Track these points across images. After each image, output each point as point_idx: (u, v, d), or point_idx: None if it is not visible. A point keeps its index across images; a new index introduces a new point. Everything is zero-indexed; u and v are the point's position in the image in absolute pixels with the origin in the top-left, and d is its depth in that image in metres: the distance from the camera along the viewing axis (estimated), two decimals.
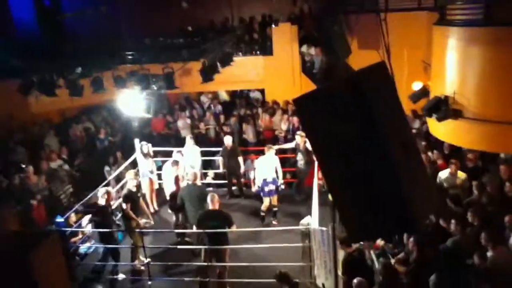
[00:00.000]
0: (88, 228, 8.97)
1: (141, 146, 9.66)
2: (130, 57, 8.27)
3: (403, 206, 2.79)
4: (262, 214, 9.28)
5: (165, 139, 12.92)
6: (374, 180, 2.87)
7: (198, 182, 8.55)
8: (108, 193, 7.83)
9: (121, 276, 7.92)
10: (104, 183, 9.29)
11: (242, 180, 10.54)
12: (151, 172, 9.85)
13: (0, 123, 12.32)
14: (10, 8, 14.07)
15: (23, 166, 9.76)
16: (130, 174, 8.44)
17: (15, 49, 12.49)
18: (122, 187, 9.49)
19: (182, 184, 8.76)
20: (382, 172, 2.79)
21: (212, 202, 7.12)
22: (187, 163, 9.96)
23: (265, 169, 9.10)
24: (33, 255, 1.81)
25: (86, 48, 10.14)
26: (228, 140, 10.05)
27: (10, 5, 14.02)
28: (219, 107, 14.11)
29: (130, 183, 8.29)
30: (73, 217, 9.04)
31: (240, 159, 10.12)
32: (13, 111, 12.52)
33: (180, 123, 13.27)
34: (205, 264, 7.18)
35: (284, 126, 12.25)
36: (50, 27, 13.01)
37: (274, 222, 9.21)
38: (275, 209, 9.30)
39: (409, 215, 2.80)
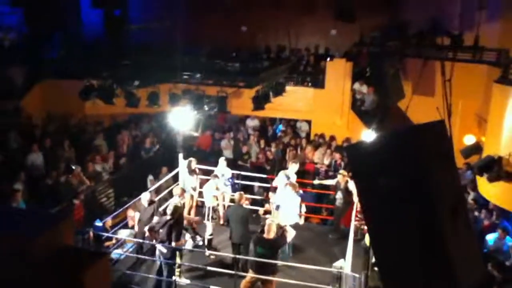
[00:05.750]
0: (123, 234, 9.15)
1: (189, 162, 9.82)
2: (186, 76, 8.55)
3: (446, 270, 2.71)
4: None
5: (207, 157, 13.08)
6: (418, 240, 2.81)
7: (244, 203, 8.65)
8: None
9: (183, 280, 7.92)
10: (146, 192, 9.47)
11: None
12: (194, 189, 9.97)
13: (56, 121, 12.99)
14: (81, 11, 14.84)
15: (73, 167, 10.15)
16: (177, 190, 8.58)
17: (80, 51, 13.18)
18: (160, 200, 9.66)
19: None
20: (427, 233, 2.73)
21: (267, 231, 7.12)
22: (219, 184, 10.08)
23: None
24: (87, 275, 1.89)
25: (146, 62, 10.56)
26: None
27: (81, 7, 14.76)
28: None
29: (175, 199, 8.46)
30: (109, 222, 9.28)
31: None
32: (69, 111, 13.18)
33: (223, 143, 13.46)
34: None
35: (326, 161, 12.19)
36: (116, 36, 13.62)
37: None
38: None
39: (451, 280, 2.72)
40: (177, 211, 7.71)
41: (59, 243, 2.03)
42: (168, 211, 7.67)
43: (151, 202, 8.51)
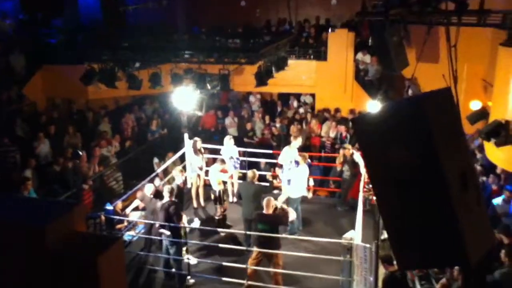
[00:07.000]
0: (135, 216, 9.22)
1: (194, 142, 9.82)
2: (186, 56, 8.48)
3: (456, 240, 2.72)
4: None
5: (212, 136, 13.08)
6: (428, 210, 2.81)
7: (255, 181, 8.64)
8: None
9: (193, 259, 7.98)
10: (152, 175, 9.53)
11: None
12: (200, 168, 9.99)
13: (60, 107, 13.01)
14: None
15: (80, 152, 10.19)
16: (176, 170, 8.61)
17: (79, 34, 13.07)
18: (169, 181, 9.70)
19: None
20: (437, 203, 2.73)
21: (266, 207, 7.20)
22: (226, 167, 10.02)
23: None
24: (101, 261, 1.90)
25: (145, 43, 10.48)
26: None
27: None
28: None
29: (177, 179, 8.48)
30: (119, 205, 9.33)
31: None
32: (72, 96, 13.17)
33: (227, 121, 13.44)
34: (255, 268, 7.24)
35: (332, 134, 12.16)
36: (113, 16, 13.48)
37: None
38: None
39: (461, 250, 2.72)
40: (173, 193, 7.70)
41: (71, 230, 2.03)
42: (165, 194, 7.68)
43: (156, 194, 8.26)
